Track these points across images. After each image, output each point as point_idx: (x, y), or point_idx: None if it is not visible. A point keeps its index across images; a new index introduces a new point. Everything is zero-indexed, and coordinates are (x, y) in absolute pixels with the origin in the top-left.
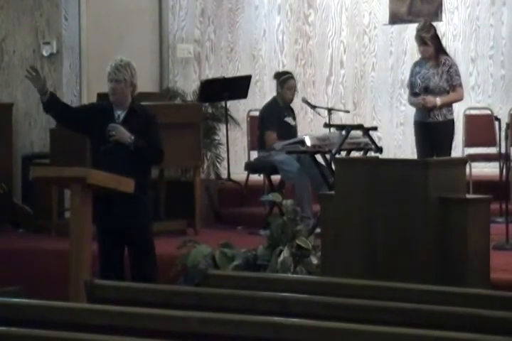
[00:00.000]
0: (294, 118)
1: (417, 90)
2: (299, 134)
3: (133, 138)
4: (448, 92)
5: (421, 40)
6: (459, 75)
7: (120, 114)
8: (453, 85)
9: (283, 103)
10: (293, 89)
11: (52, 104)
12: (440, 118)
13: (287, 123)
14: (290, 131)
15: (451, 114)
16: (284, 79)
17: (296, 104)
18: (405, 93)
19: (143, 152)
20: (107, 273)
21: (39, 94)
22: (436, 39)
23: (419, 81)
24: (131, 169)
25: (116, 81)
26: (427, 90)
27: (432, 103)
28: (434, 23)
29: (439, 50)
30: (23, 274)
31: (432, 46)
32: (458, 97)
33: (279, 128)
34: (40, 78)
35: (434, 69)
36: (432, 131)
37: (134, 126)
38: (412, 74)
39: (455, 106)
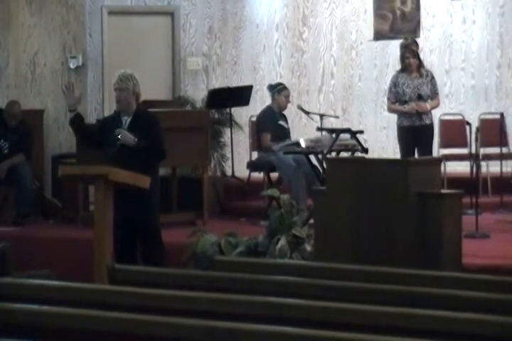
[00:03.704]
0: (287, 123)
1: (407, 98)
2: (294, 137)
3: (136, 140)
4: (430, 99)
5: (413, 53)
6: (437, 85)
7: (126, 119)
8: (435, 93)
9: (278, 109)
10: (287, 97)
11: (75, 125)
12: (428, 122)
13: (281, 126)
14: (284, 133)
15: (432, 118)
16: (281, 89)
17: (292, 111)
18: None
19: (146, 151)
20: (121, 258)
21: (68, 109)
22: (418, 54)
23: (407, 90)
24: (138, 168)
25: (120, 90)
26: (419, 97)
27: (425, 108)
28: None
29: (421, 63)
30: (53, 259)
31: (417, 59)
32: (438, 103)
33: (275, 131)
34: (75, 95)
35: (419, 79)
36: (421, 133)
37: (139, 129)
38: (396, 85)
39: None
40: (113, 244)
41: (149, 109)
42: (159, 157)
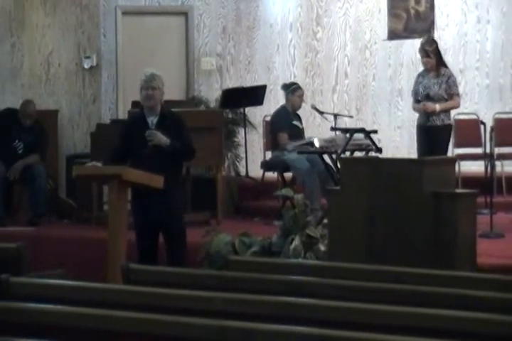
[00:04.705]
0: (301, 123)
1: (419, 98)
2: (308, 136)
3: (169, 141)
4: (446, 100)
5: (425, 52)
6: (456, 85)
7: (152, 119)
8: (451, 94)
9: (292, 109)
10: (301, 97)
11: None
12: (438, 123)
13: (296, 126)
14: (299, 133)
15: (449, 119)
16: (295, 88)
17: (306, 111)
18: (402, 100)
19: (179, 152)
20: (144, 258)
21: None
22: (437, 52)
23: (421, 89)
24: (167, 169)
25: (153, 88)
26: (428, 97)
27: (431, 108)
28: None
29: (440, 62)
30: (68, 259)
31: (433, 58)
32: (455, 104)
33: (290, 131)
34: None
35: (435, 79)
36: (431, 134)
37: (167, 129)
38: (416, 83)
39: (451, 112)
40: (137, 245)
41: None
42: (190, 157)
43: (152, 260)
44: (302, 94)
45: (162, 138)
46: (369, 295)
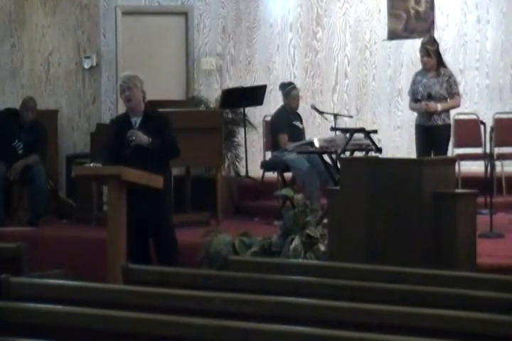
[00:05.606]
0: (301, 123)
1: (419, 97)
2: (308, 136)
3: (150, 140)
4: (446, 99)
5: (426, 51)
6: (457, 85)
7: (136, 120)
8: (451, 93)
9: (290, 110)
10: (296, 98)
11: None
12: (439, 122)
13: (296, 126)
14: (299, 133)
15: (449, 118)
16: (288, 91)
17: (306, 111)
18: (402, 100)
19: (161, 150)
20: (135, 258)
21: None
22: (438, 53)
23: (421, 89)
24: (153, 169)
25: (129, 88)
26: (429, 97)
27: (434, 108)
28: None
29: (440, 62)
30: (67, 259)
31: (434, 58)
32: (455, 104)
33: (290, 131)
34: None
35: (435, 78)
36: (432, 134)
37: (150, 128)
38: (414, 82)
39: (451, 111)
40: (128, 245)
41: (163, 110)
42: (173, 155)
43: (145, 260)
44: (297, 95)
45: (143, 138)
46: (369, 295)
